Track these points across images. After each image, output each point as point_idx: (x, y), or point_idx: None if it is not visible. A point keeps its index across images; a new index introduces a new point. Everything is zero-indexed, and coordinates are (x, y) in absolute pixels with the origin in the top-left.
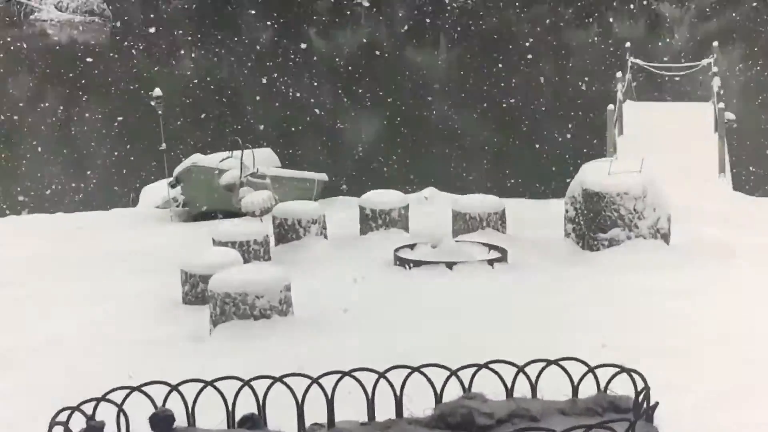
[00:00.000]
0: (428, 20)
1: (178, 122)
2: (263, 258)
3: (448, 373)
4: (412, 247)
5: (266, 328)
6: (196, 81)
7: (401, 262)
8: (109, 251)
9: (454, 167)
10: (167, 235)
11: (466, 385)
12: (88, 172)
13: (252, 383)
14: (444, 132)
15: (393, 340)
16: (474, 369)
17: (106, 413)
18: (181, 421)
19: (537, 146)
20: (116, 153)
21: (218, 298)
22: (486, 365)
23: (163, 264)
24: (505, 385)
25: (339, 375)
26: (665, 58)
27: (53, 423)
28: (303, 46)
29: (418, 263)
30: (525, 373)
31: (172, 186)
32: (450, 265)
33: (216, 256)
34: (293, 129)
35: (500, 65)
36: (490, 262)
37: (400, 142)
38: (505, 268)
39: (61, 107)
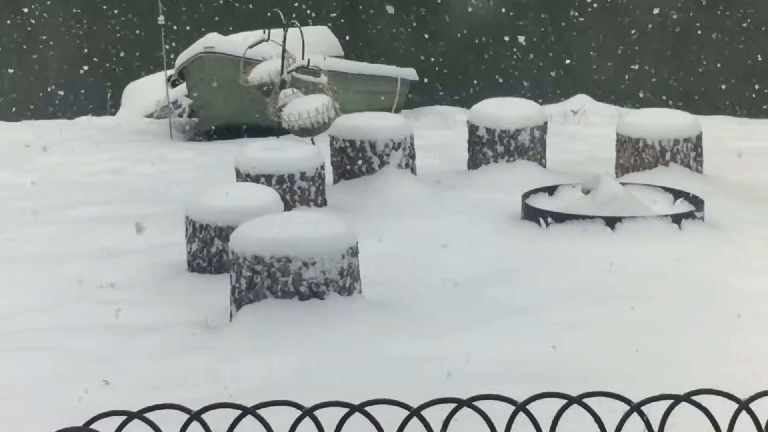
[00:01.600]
0: None
1: None
2: (315, 202)
3: (625, 407)
4: (551, 191)
5: (318, 314)
6: None
7: (534, 214)
8: (71, 186)
9: (619, 64)
10: (164, 160)
11: (656, 427)
12: (37, 64)
13: (310, 413)
14: (606, 3)
15: (519, 343)
16: (669, 402)
17: None
18: None
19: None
20: (82, 27)
21: (244, 264)
22: (688, 397)
23: (157, 208)
24: (717, 429)
25: (450, 404)
26: None
27: None
28: None
29: (560, 217)
30: (750, 412)
31: (174, 84)
32: (611, 221)
33: (241, 198)
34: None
35: None
36: (676, 218)
37: (533, 19)
38: (699, 228)
39: None
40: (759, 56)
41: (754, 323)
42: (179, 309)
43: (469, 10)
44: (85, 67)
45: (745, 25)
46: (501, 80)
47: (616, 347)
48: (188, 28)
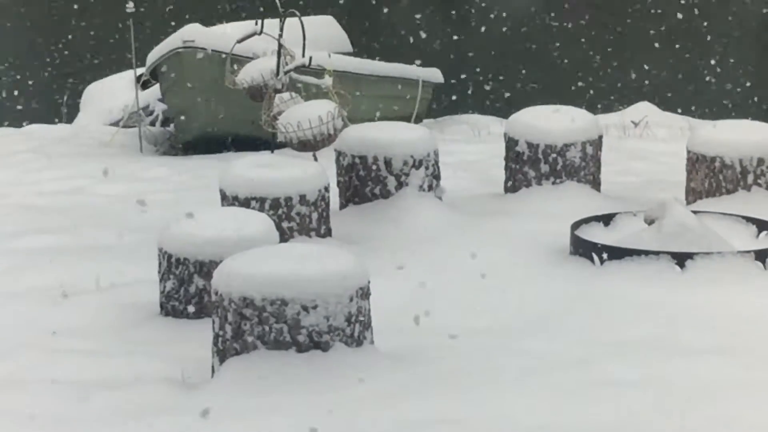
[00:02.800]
0: None
1: None
2: (317, 232)
3: None
4: (606, 220)
5: (320, 370)
6: None
7: (585, 249)
8: (19, 209)
9: (691, 65)
10: (133, 179)
11: None
12: None
13: None
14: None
15: (564, 405)
16: None
17: None
18: None
19: None
20: (32, 15)
21: (230, 307)
22: None
23: (123, 237)
24: None
25: None
26: None
27: None
28: None
29: (617, 253)
30: None
31: (145, 86)
32: (681, 258)
33: (227, 226)
34: None
35: None
36: (760, 255)
37: (586, 10)
38: None
39: None
40: None
41: None
42: (149, 361)
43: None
44: (35, 64)
45: None
46: (545, 84)
47: (685, 412)
48: (164, 17)
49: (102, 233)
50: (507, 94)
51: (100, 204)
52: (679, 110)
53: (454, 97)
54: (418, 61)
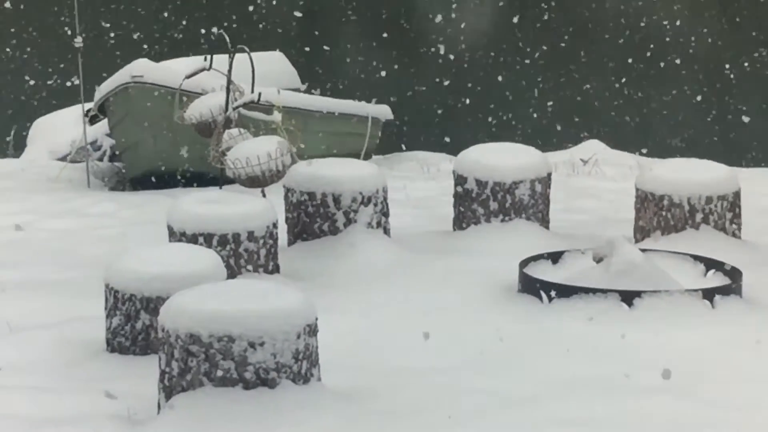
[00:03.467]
0: None
1: None
2: (265, 268)
3: None
4: (555, 258)
5: (267, 407)
6: None
7: (534, 287)
8: None
9: (639, 104)
10: (80, 214)
11: None
12: None
13: None
14: (625, 31)
15: None
16: None
17: None
18: None
19: None
20: None
21: (176, 344)
22: None
23: (69, 272)
24: None
25: None
26: None
27: None
28: None
29: (566, 291)
30: None
31: (93, 121)
32: (628, 296)
33: (174, 262)
34: (325, 17)
35: None
36: (708, 293)
37: (534, 49)
38: (736, 306)
39: None
40: None
41: None
42: (95, 398)
43: (459, 36)
44: None
45: None
46: (494, 121)
47: None
48: (113, 52)
49: (48, 269)
50: (456, 131)
51: (47, 239)
52: (632, 144)
53: (403, 134)
54: (373, 100)
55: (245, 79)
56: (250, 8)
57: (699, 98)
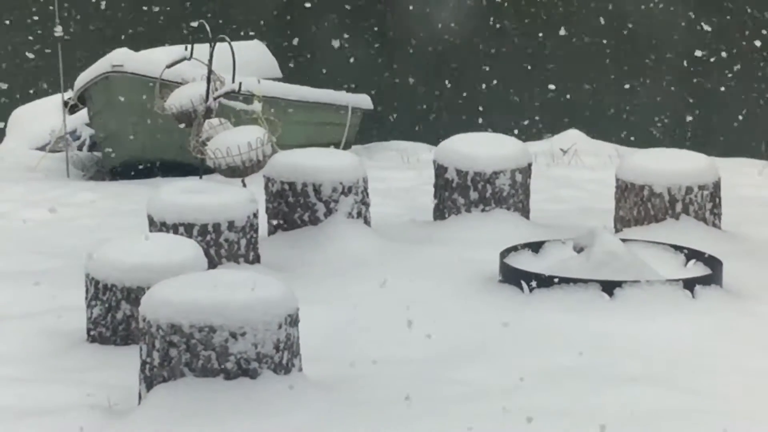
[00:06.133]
0: None
1: None
2: (246, 258)
3: None
4: (535, 248)
5: (248, 397)
6: None
7: (514, 277)
8: None
9: (620, 93)
10: (59, 204)
11: None
12: None
13: None
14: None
15: None
16: None
17: None
18: None
19: None
20: None
21: (157, 334)
22: None
23: (49, 262)
24: None
25: None
26: None
27: None
28: None
29: (546, 281)
30: None
31: (72, 110)
32: (609, 287)
33: (155, 252)
34: (305, 5)
35: None
36: (689, 283)
37: (515, 38)
38: (716, 296)
39: None
40: None
41: None
42: (75, 389)
43: (439, 25)
44: None
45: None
46: (475, 111)
47: None
48: (91, 37)
49: (28, 259)
50: (436, 121)
51: (26, 229)
52: (612, 134)
53: (383, 124)
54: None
55: (226, 68)
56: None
57: (678, 88)
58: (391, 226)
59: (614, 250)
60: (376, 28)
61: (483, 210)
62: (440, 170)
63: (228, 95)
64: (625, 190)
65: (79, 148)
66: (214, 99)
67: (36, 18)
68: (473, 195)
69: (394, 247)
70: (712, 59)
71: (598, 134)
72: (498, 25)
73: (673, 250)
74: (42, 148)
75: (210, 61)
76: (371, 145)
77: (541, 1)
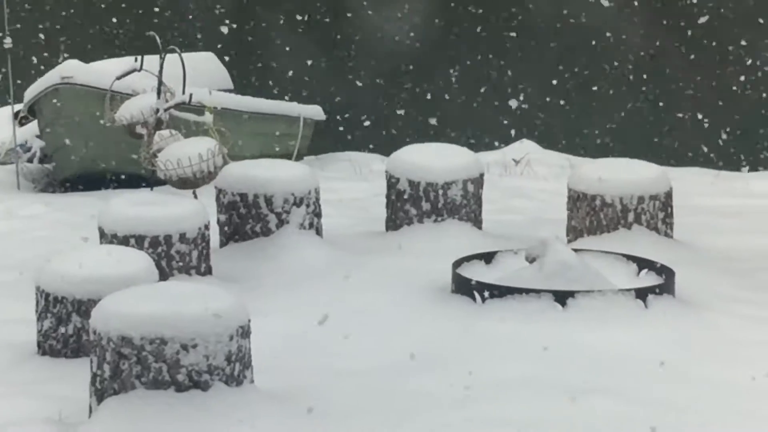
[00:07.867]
0: None
1: None
2: (197, 270)
3: None
4: (487, 258)
5: (200, 409)
6: None
7: (467, 287)
8: None
9: (571, 103)
10: (9, 216)
11: None
12: None
13: None
14: (558, 31)
15: None
16: None
17: None
18: None
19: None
20: None
21: (108, 346)
22: None
23: (0, 274)
24: None
25: None
26: None
27: None
28: None
29: (498, 291)
30: None
31: (22, 122)
32: (562, 297)
33: (105, 264)
34: (261, 21)
35: None
36: (641, 293)
37: (466, 47)
38: (668, 305)
39: None
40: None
41: (732, 424)
42: (26, 401)
43: (389, 35)
44: None
45: (718, 60)
46: (426, 122)
47: None
48: (42, 53)
49: None
50: (388, 132)
51: None
52: (563, 144)
53: (335, 135)
54: (303, 100)
55: (176, 80)
56: (182, 9)
57: (630, 98)
58: (344, 236)
59: (567, 260)
60: (328, 39)
61: (435, 221)
62: (392, 181)
63: (179, 107)
64: (577, 200)
65: (30, 160)
66: (165, 110)
67: None
68: (425, 205)
69: (347, 258)
70: (664, 69)
71: (551, 144)
72: (452, 36)
73: (625, 259)
74: None
75: (160, 72)
76: (323, 156)
77: (496, 13)
